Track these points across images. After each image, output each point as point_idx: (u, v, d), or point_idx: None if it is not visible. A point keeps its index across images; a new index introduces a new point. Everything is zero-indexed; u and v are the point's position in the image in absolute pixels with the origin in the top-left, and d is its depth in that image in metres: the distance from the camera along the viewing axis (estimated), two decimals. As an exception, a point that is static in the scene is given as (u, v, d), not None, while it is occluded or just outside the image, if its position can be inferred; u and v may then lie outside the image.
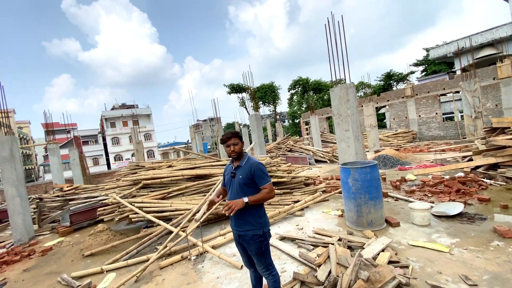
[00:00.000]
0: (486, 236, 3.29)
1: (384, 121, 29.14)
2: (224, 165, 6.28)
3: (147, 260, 3.69)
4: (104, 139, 42.60)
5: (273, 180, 5.63)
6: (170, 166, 6.76)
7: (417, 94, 16.10)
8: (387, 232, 3.70)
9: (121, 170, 10.68)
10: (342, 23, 5.33)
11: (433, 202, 4.65)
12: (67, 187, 8.36)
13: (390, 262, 2.83)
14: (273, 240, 3.77)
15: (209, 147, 32.04)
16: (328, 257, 2.86)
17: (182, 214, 4.91)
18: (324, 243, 3.42)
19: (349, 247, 3.26)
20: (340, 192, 5.89)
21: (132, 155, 40.47)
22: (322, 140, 16.31)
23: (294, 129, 34.59)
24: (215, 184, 5.40)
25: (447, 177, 6.02)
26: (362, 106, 13.00)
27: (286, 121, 58.92)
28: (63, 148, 28.54)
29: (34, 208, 7.23)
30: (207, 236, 4.27)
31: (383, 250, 3.04)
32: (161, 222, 4.53)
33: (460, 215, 3.92)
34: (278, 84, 36.84)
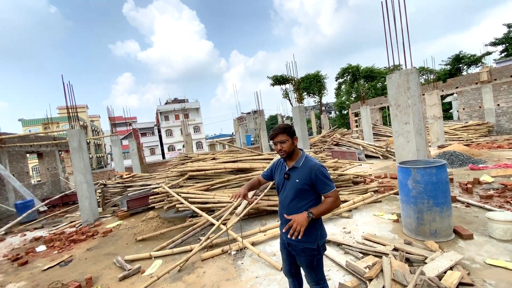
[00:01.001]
0: None
1: (451, 111, 25.48)
2: (266, 159, 6.13)
3: (190, 250, 3.78)
4: (159, 131, 46.52)
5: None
6: (214, 159, 6.90)
7: (495, 79, 13.51)
8: (455, 245, 3.11)
9: (172, 160, 11.46)
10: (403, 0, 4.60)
11: (520, 212, 3.77)
12: (126, 175, 9.26)
13: (461, 284, 2.34)
14: (316, 243, 3.50)
15: (252, 139, 32.45)
16: (381, 270, 2.49)
17: (224, 207, 4.94)
18: (375, 252, 3.02)
19: (407, 260, 2.81)
20: (396, 193, 5.25)
21: (183, 146, 43.48)
22: (374, 133, 14.99)
23: (342, 121, 32.67)
24: (256, 178, 5.30)
25: (540, 180, 4.87)
26: (424, 94, 11.44)
27: (333, 112, 56.14)
28: (125, 139, 31.99)
29: (100, 193, 8.16)
30: (247, 232, 4.20)
31: (451, 268, 2.53)
32: (203, 214, 4.61)
33: (562, 231, 3.08)
34: (324, 73, 34.94)
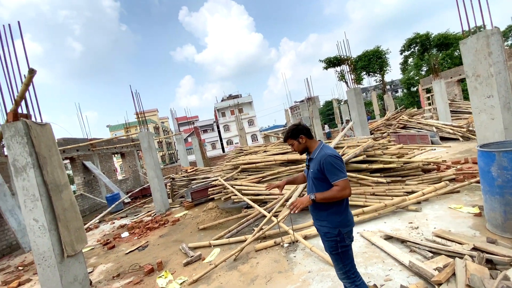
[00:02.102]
0: None
1: None
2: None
3: (245, 241, 3.93)
4: (218, 127, 49.52)
5: (377, 166, 4.80)
6: (265, 151, 6.97)
7: None
8: None
9: (228, 154, 12.08)
10: None
11: None
12: (190, 169, 10.17)
13: None
14: (375, 239, 3.21)
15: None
16: (454, 274, 2.12)
17: (275, 199, 4.96)
18: (449, 251, 2.59)
19: (489, 261, 2.32)
20: (478, 182, 4.39)
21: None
22: (452, 111, 12.75)
23: (411, 99, 28.85)
24: (308, 169, 5.13)
25: None
26: (520, 57, 9.14)
27: (400, 91, 50.11)
28: (189, 136, 35.03)
29: (169, 186, 9.19)
30: (299, 224, 4.13)
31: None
32: (255, 206, 4.72)
33: None
34: (386, 47, 31.10)
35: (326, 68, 29.12)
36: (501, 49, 3.46)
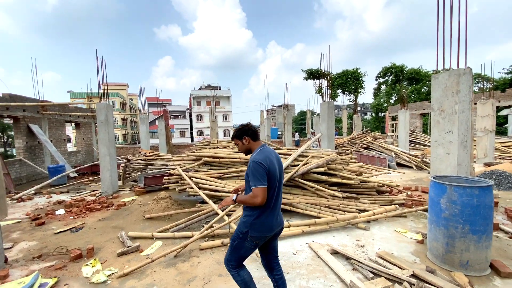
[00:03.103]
0: None
1: (505, 126, 22.64)
2: (284, 154, 5.81)
3: (191, 237, 3.67)
4: (190, 115, 47.98)
5: (336, 180, 4.86)
6: (234, 147, 6.74)
7: None
8: (490, 282, 2.58)
9: (195, 144, 11.62)
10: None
11: None
12: (149, 153, 9.54)
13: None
14: (322, 252, 3.17)
15: (279, 133, 31.94)
16: (391, 300, 2.11)
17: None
18: (389, 275, 2.62)
19: (426, 291, 2.38)
20: (425, 210, 4.65)
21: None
22: (410, 141, 13.75)
23: (377, 123, 30.73)
24: (270, 173, 5.02)
25: None
26: (476, 103, 10.11)
27: (368, 114, 53.21)
28: (159, 119, 33.33)
29: (123, 167, 8.50)
30: (252, 227, 3.98)
31: (482, 313, 2.07)
32: (210, 202, 4.48)
33: None
34: (364, 71, 32.76)
35: (306, 78, 29.81)
36: (469, 89, 3.67)
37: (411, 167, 9.46)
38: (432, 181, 3.02)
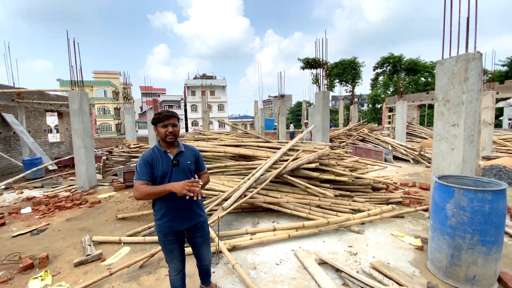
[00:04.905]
0: None
1: (500, 118, 22.45)
2: (273, 148, 5.35)
3: (163, 243, 3.24)
4: (185, 105, 47.08)
5: (328, 176, 4.44)
6: (221, 140, 6.27)
7: None
8: (503, 303, 2.20)
9: (185, 135, 11.11)
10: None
11: None
12: (133, 144, 9.01)
13: None
14: (309, 262, 2.76)
15: (276, 124, 31.41)
16: (388, 334, 1.71)
17: (216, 195, 4.33)
18: (385, 294, 2.22)
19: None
20: (424, 210, 4.27)
21: (210, 122, 43.72)
22: (407, 133, 13.39)
23: (373, 115, 30.35)
24: (256, 168, 4.57)
25: None
26: (476, 95, 9.70)
27: (365, 105, 52.80)
28: (149, 110, 32.56)
29: (103, 159, 7.98)
30: (232, 231, 3.56)
31: None
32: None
33: None
34: (362, 60, 32.12)
35: (303, 68, 29.07)
36: (478, 77, 3.21)
37: (408, 161, 9.10)
38: (436, 182, 2.59)
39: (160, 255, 3.06)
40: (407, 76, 27.77)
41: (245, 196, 3.99)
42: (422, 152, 9.06)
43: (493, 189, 2.26)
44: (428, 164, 8.33)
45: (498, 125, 20.38)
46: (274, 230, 3.48)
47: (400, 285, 2.33)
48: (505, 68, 23.64)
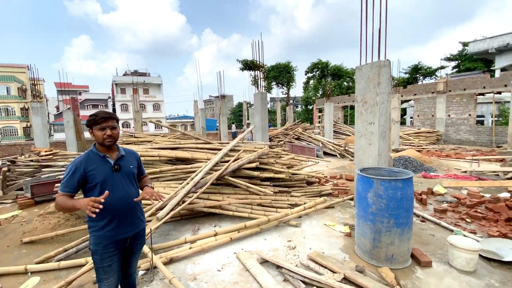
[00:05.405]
0: None
1: (404, 117, 27.14)
2: (214, 149, 5.21)
3: (84, 265, 2.78)
4: (113, 105, 42.29)
5: (268, 175, 4.56)
6: (156, 143, 5.76)
7: (450, 91, 14.24)
8: (413, 274, 2.61)
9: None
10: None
11: (474, 233, 3.48)
12: (45, 151, 7.58)
13: None
14: (251, 263, 2.75)
15: (218, 124, 31.03)
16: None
17: (149, 205, 3.94)
18: (320, 283, 2.37)
19: (357, 296, 2.20)
20: (350, 199, 4.78)
21: (144, 123, 40.15)
22: (334, 131, 14.96)
23: (306, 115, 32.92)
24: (195, 171, 4.36)
25: (488, 196, 4.78)
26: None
27: (299, 106, 56.80)
28: (65, 110, 28.13)
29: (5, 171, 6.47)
30: (170, 241, 3.29)
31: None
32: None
33: (520, 261, 2.76)
34: (295, 65, 34.44)
35: (242, 69, 29.52)
36: (388, 81, 3.76)
37: (335, 156, 10.14)
38: (358, 174, 2.91)
39: (80, 281, 2.60)
40: (333, 80, 31.06)
41: (183, 202, 3.76)
42: (346, 148, 10.22)
43: (403, 178, 2.65)
44: (352, 158, 9.44)
45: (402, 122, 24.62)
46: (216, 235, 3.36)
47: (333, 272, 2.52)
48: (407, 75, 28.83)
